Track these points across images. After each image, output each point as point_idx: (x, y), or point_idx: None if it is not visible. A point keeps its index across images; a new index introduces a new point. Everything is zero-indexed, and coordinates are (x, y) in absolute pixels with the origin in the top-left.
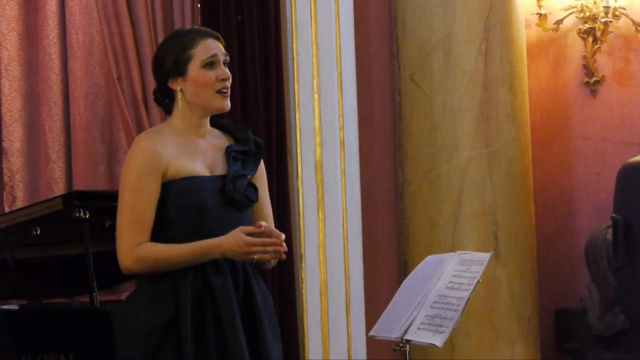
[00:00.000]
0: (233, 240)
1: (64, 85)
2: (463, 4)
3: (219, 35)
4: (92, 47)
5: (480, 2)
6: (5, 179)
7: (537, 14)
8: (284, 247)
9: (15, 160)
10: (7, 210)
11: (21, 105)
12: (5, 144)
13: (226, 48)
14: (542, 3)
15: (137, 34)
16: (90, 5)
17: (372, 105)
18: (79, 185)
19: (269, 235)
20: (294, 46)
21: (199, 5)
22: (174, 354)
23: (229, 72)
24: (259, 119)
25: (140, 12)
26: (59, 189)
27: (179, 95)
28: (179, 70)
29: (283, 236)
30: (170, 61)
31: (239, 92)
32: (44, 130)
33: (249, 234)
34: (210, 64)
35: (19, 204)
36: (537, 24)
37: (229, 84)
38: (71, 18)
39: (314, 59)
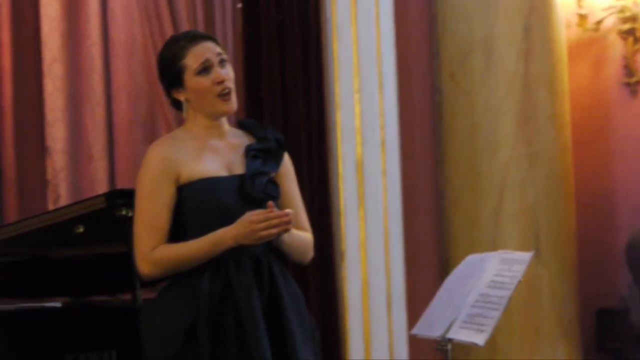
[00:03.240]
0: (240, 223)
1: (106, 85)
2: (503, 4)
3: (210, 35)
4: (133, 47)
5: (521, 2)
6: (49, 177)
7: (578, 14)
8: (289, 217)
9: (59, 159)
10: (50, 208)
11: (64, 104)
12: (48, 143)
13: (266, 49)
14: (583, 3)
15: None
16: (132, 6)
17: (412, 105)
18: (122, 184)
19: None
20: (334, 46)
21: (239, 5)
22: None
23: (224, 73)
24: (300, 118)
25: (181, 12)
26: (102, 188)
27: (185, 105)
28: (177, 82)
29: (288, 211)
30: (167, 74)
31: (279, 92)
32: (87, 130)
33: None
34: (203, 70)
35: (63, 202)
36: (577, 24)
37: (229, 84)
38: (113, 18)
39: (355, 58)
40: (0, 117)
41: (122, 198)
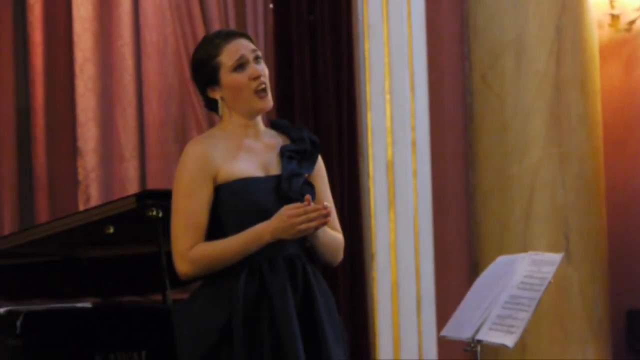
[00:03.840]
0: (277, 218)
1: (137, 85)
2: (535, 4)
3: (243, 32)
4: (165, 47)
5: (552, 3)
6: (80, 177)
7: (610, 14)
8: (327, 210)
9: (90, 159)
10: (81, 208)
11: (95, 105)
12: (79, 143)
13: (297, 49)
14: (615, 3)
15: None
16: (164, 6)
17: (443, 106)
18: (152, 184)
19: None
20: (366, 46)
21: (271, 5)
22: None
23: (260, 69)
24: (330, 119)
25: (213, 11)
26: (133, 188)
27: (221, 103)
28: (212, 79)
29: (325, 204)
30: (202, 72)
31: (310, 93)
32: (118, 130)
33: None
34: (239, 66)
35: (93, 202)
36: (609, 25)
37: (264, 79)
38: (144, 18)
39: (386, 59)
40: (32, 117)
41: (152, 198)
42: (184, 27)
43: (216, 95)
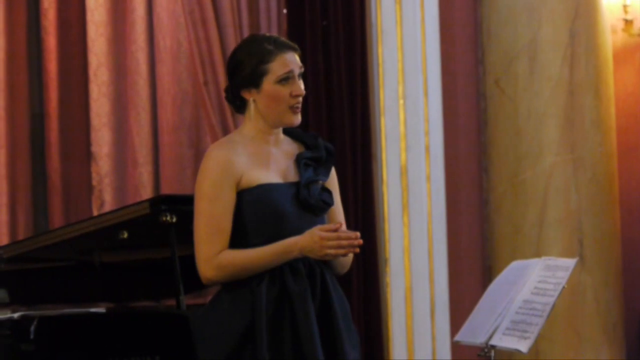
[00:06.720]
0: (309, 236)
1: (151, 90)
2: (548, 9)
3: (296, 46)
4: (179, 52)
5: (566, 8)
6: (94, 182)
7: (623, 19)
8: (359, 240)
9: (104, 164)
10: (95, 213)
11: (109, 109)
12: (93, 148)
13: (311, 54)
14: (629, 8)
15: (223, 39)
16: (178, 11)
17: (457, 111)
18: (166, 189)
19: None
20: (379, 52)
21: (284, 10)
22: None
23: (302, 88)
24: (344, 124)
25: (227, 17)
26: (147, 193)
27: (252, 106)
28: (254, 82)
29: (358, 234)
30: (245, 71)
31: (324, 98)
32: (132, 135)
33: (325, 231)
34: (285, 79)
35: (107, 207)
36: (623, 30)
37: (301, 99)
38: (159, 23)
39: (399, 64)
40: (46, 122)
41: (166, 204)
42: (197, 32)
43: (250, 97)
